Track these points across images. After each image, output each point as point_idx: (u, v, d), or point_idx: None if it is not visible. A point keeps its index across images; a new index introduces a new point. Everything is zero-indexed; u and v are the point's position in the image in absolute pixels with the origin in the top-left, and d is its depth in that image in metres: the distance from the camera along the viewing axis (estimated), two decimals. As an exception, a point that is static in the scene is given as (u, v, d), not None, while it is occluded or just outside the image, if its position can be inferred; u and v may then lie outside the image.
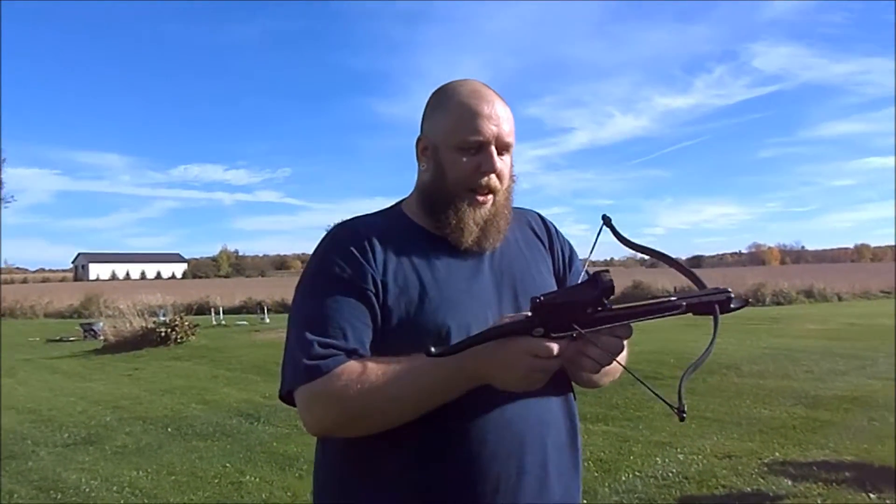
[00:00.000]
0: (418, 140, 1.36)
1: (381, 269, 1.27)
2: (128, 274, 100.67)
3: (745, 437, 6.06)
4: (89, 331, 17.35)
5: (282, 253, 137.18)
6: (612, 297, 1.09)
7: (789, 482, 4.78)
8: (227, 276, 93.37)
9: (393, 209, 1.43)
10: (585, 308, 1.10)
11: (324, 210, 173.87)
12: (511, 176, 1.37)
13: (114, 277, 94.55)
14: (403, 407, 1.18)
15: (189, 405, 8.18)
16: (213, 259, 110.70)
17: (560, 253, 1.51)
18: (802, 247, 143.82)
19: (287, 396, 1.25)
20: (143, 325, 14.83)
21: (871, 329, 14.97)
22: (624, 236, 1.28)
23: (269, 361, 11.38)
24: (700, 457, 5.42)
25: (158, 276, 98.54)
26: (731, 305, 1.16)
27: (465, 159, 1.27)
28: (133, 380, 10.48)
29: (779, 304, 23.77)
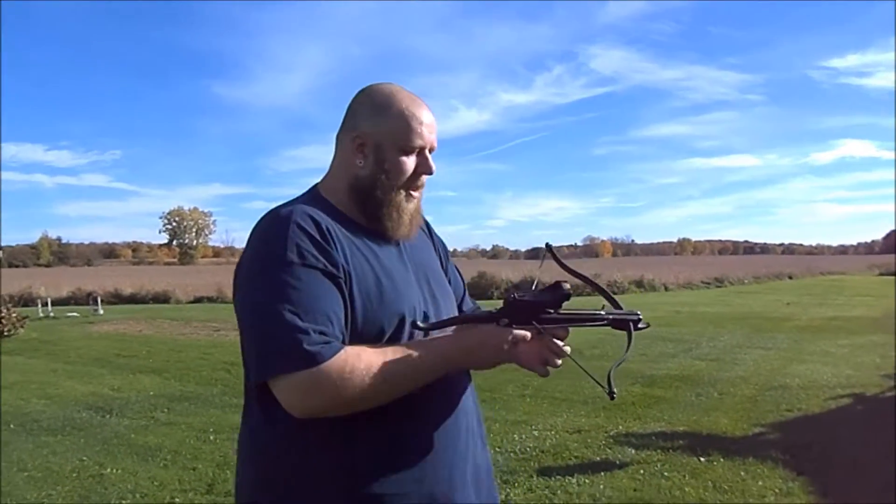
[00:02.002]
0: (352, 136, 1.45)
1: (343, 258, 1.35)
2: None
3: (591, 413, 6.67)
4: None
5: (110, 241, 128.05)
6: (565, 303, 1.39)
7: (633, 451, 5.37)
8: (48, 265, 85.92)
9: (317, 198, 1.47)
10: (546, 309, 1.37)
11: (156, 196, 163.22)
12: None
13: None
14: (397, 391, 1.31)
15: (30, 400, 7.67)
16: (32, 246, 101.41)
17: (440, 248, 1.73)
18: (632, 240, 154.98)
19: (260, 383, 1.30)
20: (-39, 318, 13.55)
21: (694, 316, 16.63)
22: (564, 263, 1.57)
23: (111, 354, 10.88)
24: (553, 432, 5.93)
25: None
26: (640, 325, 1.47)
27: (406, 160, 1.44)
28: (-44, 376, 9.64)
29: (613, 293, 25.61)
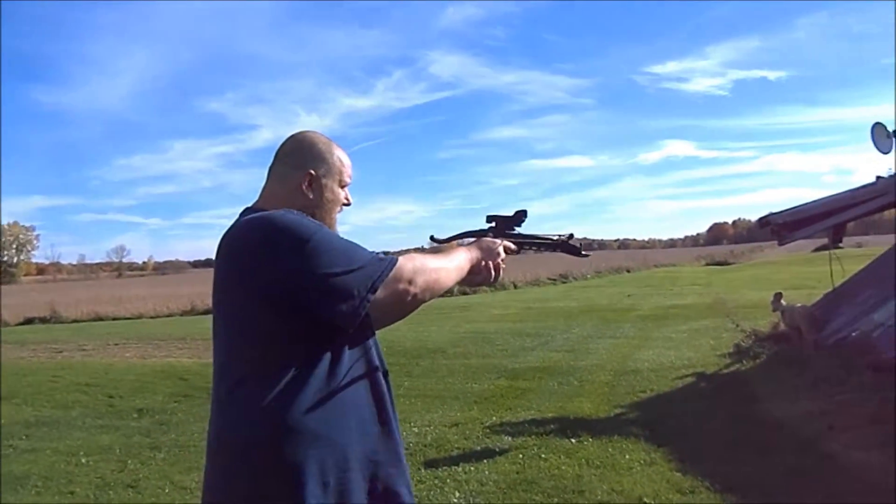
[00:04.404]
0: (303, 173, 1.84)
1: None
2: None
3: (465, 407, 7.09)
4: None
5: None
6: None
7: (509, 438, 5.82)
8: None
9: None
10: (512, 227, 2.06)
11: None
12: None
13: None
14: (451, 279, 1.86)
15: None
16: None
17: None
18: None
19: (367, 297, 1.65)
20: None
21: (545, 311, 17.65)
22: (509, 230, 2.10)
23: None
24: (432, 427, 6.28)
25: None
26: (583, 253, 2.11)
27: (340, 191, 1.90)
28: None
29: (465, 293, 26.47)
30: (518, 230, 2.08)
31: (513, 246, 2.04)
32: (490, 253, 1.96)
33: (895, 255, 8.69)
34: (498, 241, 1.99)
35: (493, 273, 1.97)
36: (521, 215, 2.06)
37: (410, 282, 1.71)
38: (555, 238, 2.13)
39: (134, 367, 11.07)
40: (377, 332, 1.82)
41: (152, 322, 21.36)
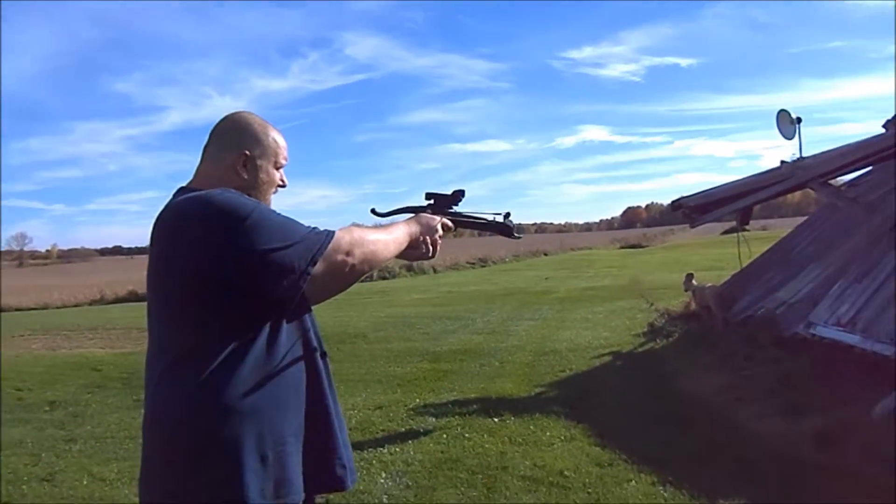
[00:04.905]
0: (238, 154, 1.86)
1: None
2: None
3: (388, 390, 7.15)
4: None
5: None
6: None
7: (433, 419, 5.92)
8: None
9: None
10: (451, 205, 2.14)
11: None
12: None
13: None
14: (389, 252, 1.89)
15: None
16: None
17: None
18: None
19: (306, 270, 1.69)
20: None
21: (465, 295, 17.84)
22: (449, 209, 2.17)
23: None
24: (356, 411, 6.32)
25: None
26: (515, 235, 2.19)
27: (275, 173, 1.93)
28: None
29: (384, 278, 26.51)
30: (455, 209, 2.15)
31: (450, 223, 2.11)
32: (428, 229, 2.02)
33: (797, 237, 9.21)
34: (437, 217, 2.06)
35: (430, 248, 2.03)
36: (458, 195, 2.14)
37: (349, 253, 1.75)
38: (490, 218, 2.20)
39: (42, 358, 10.64)
40: (315, 308, 1.86)
41: (59, 312, 20.53)
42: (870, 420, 4.85)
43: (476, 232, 2.35)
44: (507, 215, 2.21)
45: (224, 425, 1.61)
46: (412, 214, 2.08)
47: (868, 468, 4.16)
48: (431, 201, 2.14)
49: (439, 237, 2.06)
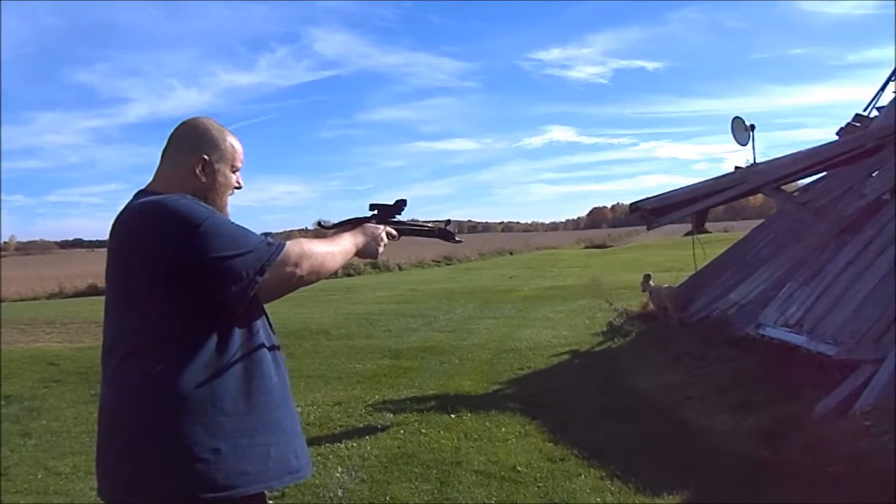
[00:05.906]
0: (197, 158, 1.94)
1: None
2: None
3: (348, 387, 7.24)
4: None
5: None
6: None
7: (391, 415, 6.02)
8: None
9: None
10: (393, 215, 2.28)
11: None
12: None
13: None
14: (336, 263, 2.02)
15: None
16: None
17: None
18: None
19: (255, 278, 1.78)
20: None
21: (429, 293, 17.93)
22: (392, 218, 2.32)
23: None
24: (315, 407, 6.39)
25: None
26: (456, 239, 2.36)
27: (232, 176, 2.03)
28: None
29: (349, 275, 26.48)
30: (398, 218, 2.30)
31: (394, 232, 2.27)
32: (373, 238, 2.18)
33: (753, 240, 9.48)
34: (381, 227, 2.21)
35: (375, 254, 2.22)
36: (401, 204, 2.28)
37: (297, 265, 1.87)
38: (431, 226, 2.40)
39: (-4, 352, 10.51)
40: (276, 303, 2.00)
41: (16, 305, 20.15)
42: (812, 417, 5.05)
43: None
44: (448, 222, 2.38)
45: (174, 418, 1.70)
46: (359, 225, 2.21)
47: (810, 463, 4.35)
48: (375, 212, 2.28)
49: (384, 246, 2.22)
